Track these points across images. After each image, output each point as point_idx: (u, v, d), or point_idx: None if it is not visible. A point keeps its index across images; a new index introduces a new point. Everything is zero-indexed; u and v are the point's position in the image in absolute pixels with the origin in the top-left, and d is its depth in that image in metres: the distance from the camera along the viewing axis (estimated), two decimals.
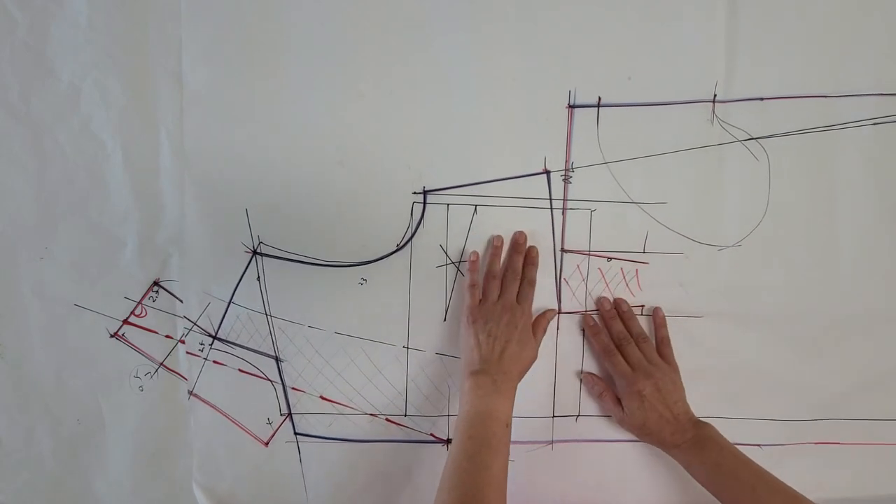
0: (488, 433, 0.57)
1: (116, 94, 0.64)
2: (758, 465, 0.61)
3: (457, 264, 0.69)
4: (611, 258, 0.69)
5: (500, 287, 0.67)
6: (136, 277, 0.67)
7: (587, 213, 0.69)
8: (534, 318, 0.68)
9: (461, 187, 0.67)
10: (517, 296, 0.66)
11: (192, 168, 0.65)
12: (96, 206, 0.65)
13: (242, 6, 0.64)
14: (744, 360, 0.72)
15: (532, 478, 0.71)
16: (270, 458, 0.71)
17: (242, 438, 0.70)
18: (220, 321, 0.68)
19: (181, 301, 0.68)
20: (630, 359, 0.67)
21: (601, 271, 0.70)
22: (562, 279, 0.70)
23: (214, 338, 0.68)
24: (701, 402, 0.68)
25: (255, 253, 0.67)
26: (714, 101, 0.67)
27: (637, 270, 0.70)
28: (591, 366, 0.72)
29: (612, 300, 0.70)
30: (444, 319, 0.69)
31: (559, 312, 0.70)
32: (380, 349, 0.70)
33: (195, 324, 0.68)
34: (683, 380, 0.69)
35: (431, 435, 0.72)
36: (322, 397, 0.70)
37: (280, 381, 0.69)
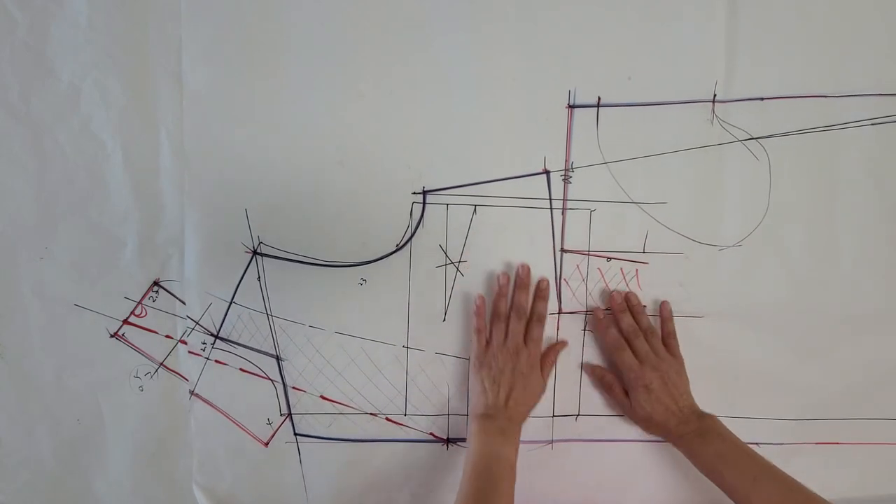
0: (494, 475, 0.59)
1: (116, 94, 0.64)
2: (760, 456, 0.61)
3: (456, 264, 0.69)
4: (611, 258, 0.69)
5: (505, 329, 0.67)
6: (136, 277, 0.67)
7: (587, 213, 0.69)
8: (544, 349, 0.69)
9: (461, 187, 0.67)
10: (525, 335, 0.67)
11: (192, 168, 0.65)
12: (96, 206, 0.65)
13: (242, 6, 0.64)
14: (744, 360, 0.72)
15: (532, 478, 0.71)
16: (270, 459, 0.71)
17: (242, 438, 0.70)
18: (221, 321, 0.68)
19: (181, 301, 0.68)
20: (638, 352, 0.67)
21: (601, 271, 0.70)
22: (562, 279, 0.70)
23: (216, 337, 0.68)
24: (701, 401, 0.68)
25: (255, 253, 0.67)
26: (714, 101, 0.67)
27: (637, 270, 0.70)
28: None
29: (622, 294, 0.70)
30: (444, 319, 0.69)
31: (559, 312, 0.70)
32: (380, 349, 0.70)
33: (198, 323, 0.68)
34: None
35: (431, 434, 0.72)
36: (322, 397, 0.70)
37: (281, 381, 0.70)
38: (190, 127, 0.65)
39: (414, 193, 0.67)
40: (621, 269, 0.70)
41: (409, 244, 0.68)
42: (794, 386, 0.73)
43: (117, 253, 0.66)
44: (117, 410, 0.69)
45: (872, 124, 0.68)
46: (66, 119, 0.64)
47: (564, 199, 0.68)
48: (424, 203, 0.68)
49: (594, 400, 0.72)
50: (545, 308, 0.69)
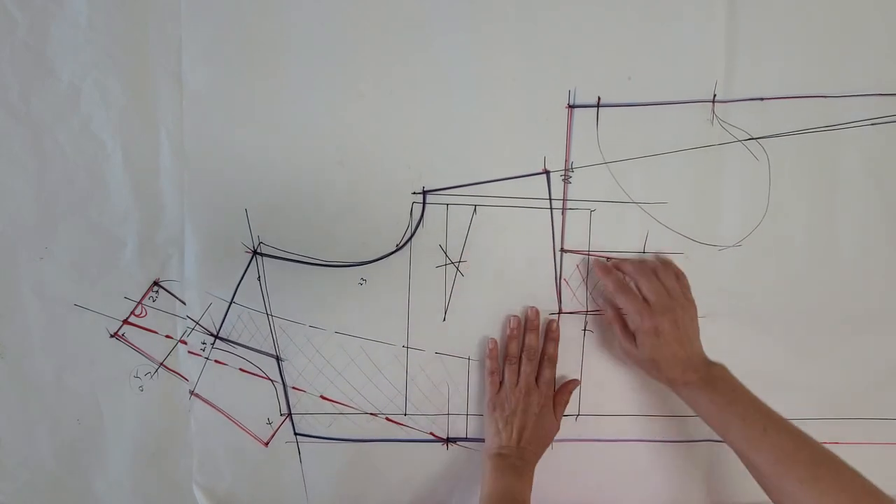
0: None
1: (116, 94, 0.64)
2: (770, 408, 0.60)
3: (456, 264, 0.69)
4: (610, 258, 0.69)
5: (517, 372, 0.68)
6: (136, 277, 0.67)
7: (587, 213, 0.69)
8: (557, 388, 0.70)
9: (461, 187, 0.67)
10: (538, 376, 0.68)
11: (192, 168, 0.65)
12: (96, 206, 0.65)
13: (242, 6, 0.64)
14: (744, 360, 0.72)
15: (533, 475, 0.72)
16: (270, 459, 0.71)
17: (242, 438, 0.70)
18: (221, 321, 0.68)
19: (181, 301, 0.68)
20: (647, 292, 0.63)
21: None
22: (562, 279, 0.70)
23: (216, 337, 0.68)
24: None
25: (255, 253, 0.67)
26: (714, 101, 0.67)
27: None
28: (591, 366, 0.71)
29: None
30: (444, 319, 0.69)
31: (559, 312, 0.70)
32: (380, 349, 0.70)
33: (198, 323, 0.68)
34: None
35: (431, 434, 0.72)
36: (322, 397, 0.70)
37: (281, 381, 0.70)
38: (190, 127, 0.65)
39: (414, 193, 0.67)
40: None
41: (409, 244, 0.68)
42: (794, 386, 0.73)
43: (117, 253, 0.66)
44: (117, 410, 0.69)
45: (872, 124, 0.68)
46: (66, 119, 0.64)
47: (564, 199, 0.68)
48: (424, 203, 0.68)
49: (594, 400, 0.72)
50: (556, 349, 0.69)
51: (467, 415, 0.72)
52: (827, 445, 0.57)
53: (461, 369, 0.71)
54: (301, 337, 0.69)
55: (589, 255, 0.69)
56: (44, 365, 0.67)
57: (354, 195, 0.67)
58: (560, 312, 0.70)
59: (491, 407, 0.68)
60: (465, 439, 0.72)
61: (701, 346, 0.65)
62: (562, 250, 0.69)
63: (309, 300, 0.68)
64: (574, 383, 0.71)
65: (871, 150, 0.69)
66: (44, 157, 0.64)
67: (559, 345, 0.70)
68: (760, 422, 0.58)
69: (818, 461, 0.55)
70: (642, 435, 0.72)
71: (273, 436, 0.70)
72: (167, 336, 0.69)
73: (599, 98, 0.67)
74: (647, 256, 0.69)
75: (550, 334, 0.70)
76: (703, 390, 0.62)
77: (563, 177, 0.68)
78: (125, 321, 0.68)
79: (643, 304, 0.63)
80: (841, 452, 0.67)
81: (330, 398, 0.70)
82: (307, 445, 0.71)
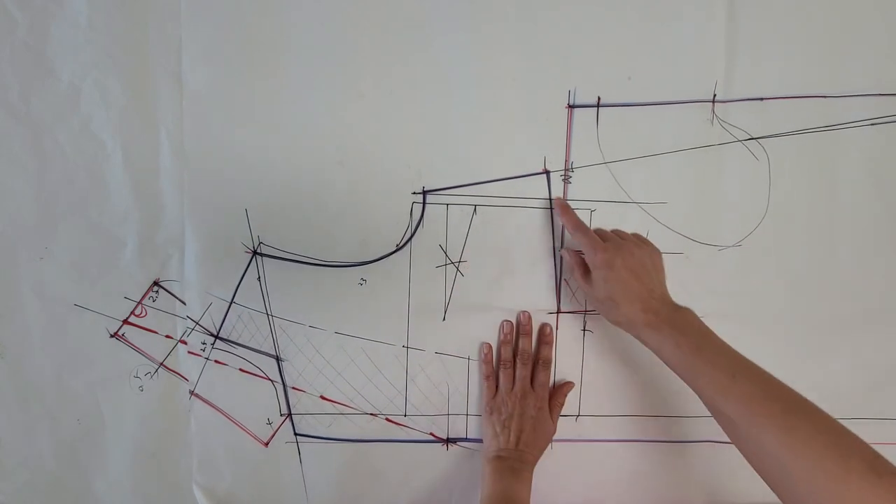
0: None
1: (116, 94, 0.64)
2: (740, 354, 0.55)
3: (456, 264, 0.69)
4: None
5: (512, 375, 0.69)
6: (136, 277, 0.67)
7: (587, 213, 0.69)
8: (552, 391, 0.70)
9: (461, 187, 0.67)
10: (533, 379, 0.69)
11: (192, 168, 0.66)
12: (96, 206, 0.65)
13: (242, 6, 0.64)
14: None
15: (532, 477, 0.71)
16: (270, 459, 0.71)
17: (242, 439, 0.70)
18: (221, 321, 0.68)
19: (182, 301, 0.68)
20: (605, 234, 0.65)
21: None
22: (562, 279, 0.70)
23: (216, 337, 0.68)
24: (700, 401, 0.68)
25: (255, 253, 0.67)
26: (714, 101, 0.67)
27: None
28: (590, 366, 0.71)
29: None
30: (444, 319, 0.69)
31: (558, 312, 0.70)
32: (380, 349, 0.70)
33: (198, 323, 0.68)
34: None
35: (431, 434, 0.72)
36: (322, 397, 0.70)
37: (281, 381, 0.70)
38: (190, 127, 0.65)
39: (414, 193, 0.67)
40: None
41: (409, 244, 0.68)
42: (794, 386, 0.72)
43: (117, 253, 0.66)
44: (117, 410, 0.69)
45: (872, 124, 0.68)
46: (66, 119, 0.64)
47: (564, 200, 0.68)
48: (424, 203, 0.68)
49: (594, 400, 0.72)
50: (550, 353, 0.70)
51: (467, 415, 0.72)
52: None
53: (461, 369, 0.71)
54: (301, 337, 0.69)
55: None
56: (44, 365, 0.67)
57: (354, 195, 0.67)
58: (559, 312, 0.70)
59: (488, 411, 0.69)
60: (465, 440, 0.72)
61: (665, 289, 0.62)
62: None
63: (309, 300, 0.68)
64: (569, 385, 0.71)
65: (871, 150, 0.69)
66: (44, 157, 0.64)
67: (557, 345, 0.70)
68: (730, 368, 0.54)
69: (791, 409, 0.51)
70: (642, 435, 0.72)
71: (273, 436, 0.70)
72: (167, 336, 0.69)
73: (599, 98, 0.67)
74: None
75: (544, 338, 0.70)
76: (668, 334, 0.57)
77: (563, 177, 0.68)
78: (125, 321, 0.68)
79: (597, 240, 0.62)
80: None
81: (330, 398, 0.70)
82: (307, 446, 0.71)
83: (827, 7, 0.66)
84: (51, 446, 0.69)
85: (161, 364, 0.69)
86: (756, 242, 0.70)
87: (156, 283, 0.68)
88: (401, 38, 0.65)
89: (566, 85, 0.67)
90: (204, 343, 0.68)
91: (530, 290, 0.70)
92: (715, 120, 0.68)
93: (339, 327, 0.69)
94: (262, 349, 0.69)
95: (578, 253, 0.65)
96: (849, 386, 0.73)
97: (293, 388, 0.70)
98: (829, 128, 0.68)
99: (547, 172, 0.68)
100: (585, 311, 0.71)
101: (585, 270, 0.64)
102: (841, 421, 0.74)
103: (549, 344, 0.70)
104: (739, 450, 0.53)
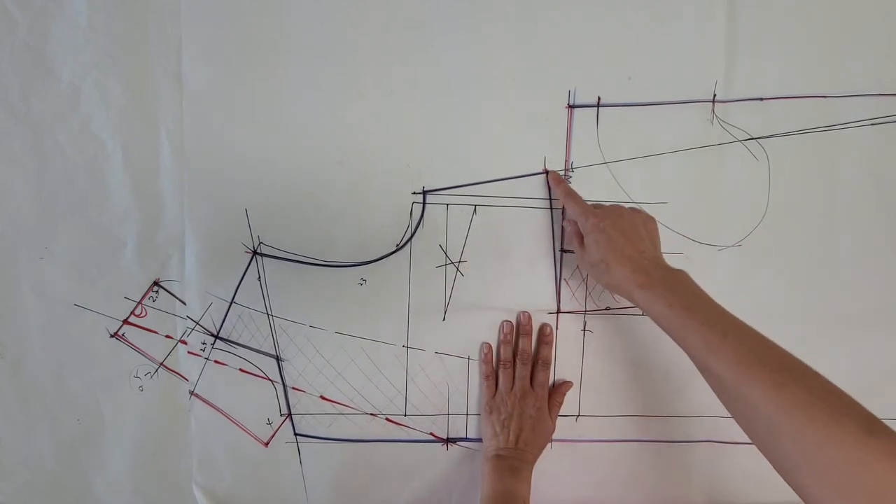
0: None
1: (116, 94, 0.64)
2: (734, 316, 0.54)
3: (456, 264, 0.69)
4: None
5: (512, 376, 0.69)
6: (136, 277, 0.67)
7: None
8: (551, 390, 0.70)
9: (461, 187, 0.67)
10: (532, 379, 0.69)
11: (192, 168, 0.66)
12: (96, 206, 0.65)
13: (242, 6, 0.64)
14: None
15: (532, 477, 0.71)
16: (270, 459, 0.71)
17: (242, 439, 0.70)
18: (221, 321, 0.68)
19: (181, 301, 0.68)
20: (600, 205, 0.65)
21: None
22: (561, 279, 0.70)
23: (216, 337, 0.68)
24: (701, 401, 0.68)
25: (255, 253, 0.67)
26: (714, 101, 0.67)
27: None
28: (590, 366, 0.71)
29: None
30: (444, 319, 0.69)
31: (558, 312, 0.70)
32: (380, 349, 0.70)
33: (198, 323, 0.68)
34: (684, 379, 0.69)
35: (431, 434, 0.72)
36: (322, 397, 0.70)
37: (281, 381, 0.70)
38: (190, 127, 0.65)
39: (414, 193, 0.67)
40: None
41: (409, 244, 0.68)
42: None
43: (117, 253, 0.66)
44: (117, 410, 0.69)
45: (872, 124, 0.68)
46: (66, 119, 0.64)
47: None
48: (424, 203, 0.68)
49: (594, 400, 0.72)
50: (549, 352, 0.70)
51: (467, 415, 0.72)
52: None
53: (461, 369, 0.71)
54: (301, 337, 0.69)
55: None
56: (44, 365, 0.67)
57: (354, 195, 0.67)
58: (559, 312, 0.70)
59: (488, 410, 0.69)
60: (465, 439, 0.72)
61: (659, 252, 0.61)
62: (562, 250, 0.69)
63: (309, 300, 0.68)
64: (568, 385, 0.71)
65: (871, 150, 0.69)
66: (44, 157, 0.64)
67: (557, 345, 0.70)
68: (721, 327, 0.52)
69: (783, 367, 0.49)
70: (642, 435, 0.72)
71: (273, 436, 0.70)
72: (167, 336, 0.69)
73: (599, 98, 0.67)
74: None
75: (544, 338, 0.70)
76: (659, 294, 0.56)
77: (563, 177, 0.68)
78: (125, 321, 0.68)
79: (588, 206, 0.63)
80: None
81: (330, 398, 0.70)
82: (307, 446, 0.71)
83: (827, 7, 0.66)
84: (51, 446, 0.69)
85: (161, 364, 0.69)
86: (756, 242, 0.70)
87: (156, 283, 0.68)
88: (401, 38, 0.65)
89: (566, 85, 0.67)
90: (204, 343, 0.68)
91: (530, 290, 0.70)
92: (715, 120, 0.68)
93: (339, 327, 0.69)
94: (262, 349, 0.69)
95: (575, 224, 0.65)
96: (849, 386, 0.73)
97: (293, 388, 0.70)
98: (829, 128, 0.68)
99: (547, 172, 0.68)
100: (585, 311, 0.71)
101: (582, 240, 0.63)
102: None
103: (549, 344, 0.70)
104: (727, 409, 0.51)
